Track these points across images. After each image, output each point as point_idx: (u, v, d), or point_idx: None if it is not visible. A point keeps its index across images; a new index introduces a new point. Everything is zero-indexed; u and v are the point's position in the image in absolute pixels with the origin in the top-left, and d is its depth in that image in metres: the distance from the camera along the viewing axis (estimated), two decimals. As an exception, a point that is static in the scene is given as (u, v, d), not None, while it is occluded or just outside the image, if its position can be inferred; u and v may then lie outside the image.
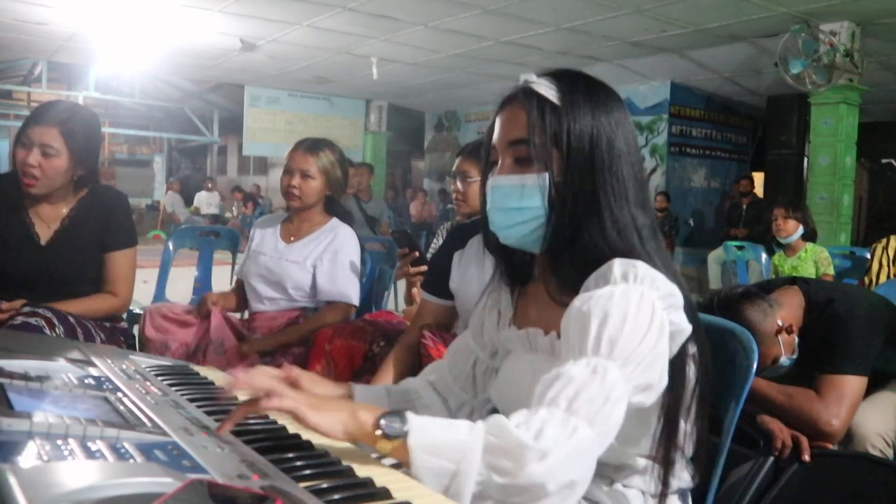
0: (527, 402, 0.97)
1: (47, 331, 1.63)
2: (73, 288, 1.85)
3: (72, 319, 1.73)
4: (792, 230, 3.87)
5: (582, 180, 0.93)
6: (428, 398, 1.15)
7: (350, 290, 2.16)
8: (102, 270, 1.92)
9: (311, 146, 2.18)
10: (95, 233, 1.89)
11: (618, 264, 0.88)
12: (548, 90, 0.94)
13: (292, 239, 2.23)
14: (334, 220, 2.24)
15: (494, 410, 1.15)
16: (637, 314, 0.84)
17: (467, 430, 0.77)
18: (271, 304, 2.24)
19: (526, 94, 0.96)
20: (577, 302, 0.88)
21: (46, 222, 1.87)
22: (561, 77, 0.97)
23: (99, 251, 1.91)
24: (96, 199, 1.91)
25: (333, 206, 2.27)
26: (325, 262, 2.16)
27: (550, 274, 0.98)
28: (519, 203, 0.95)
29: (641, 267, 0.88)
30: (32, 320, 1.64)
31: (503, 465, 0.74)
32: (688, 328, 0.89)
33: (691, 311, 0.91)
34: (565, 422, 0.77)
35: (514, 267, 1.07)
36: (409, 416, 0.79)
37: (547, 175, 0.93)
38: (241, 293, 2.37)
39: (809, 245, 3.92)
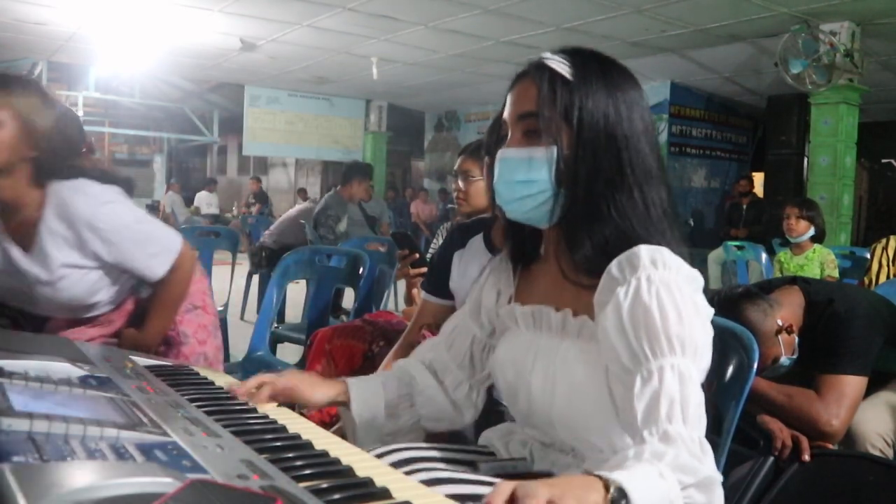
0: (526, 379, 0.98)
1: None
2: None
3: (41, 317, 1.65)
4: (803, 230, 3.86)
5: (597, 157, 0.92)
6: (423, 382, 1.14)
7: (146, 262, 1.55)
8: None
9: (2, 80, 1.44)
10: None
11: (644, 250, 0.87)
12: (560, 65, 0.94)
13: (24, 244, 1.48)
14: (52, 188, 1.46)
15: (491, 389, 1.16)
16: (683, 304, 0.85)
17: (657, 475, 0.72)
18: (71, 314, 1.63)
19: (538, 69, 0.95)
20: (621, 298, 0.86)
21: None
22: (574, 54, 0.96)
23: None
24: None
25: (51, 174, 1.46)
26: (98, 251, 1.49)
27: (565, 252, 0.97)
28: (526, 176, 0.94)
29: (667, 252, 0.88)
30: None
31: (698, 500, 0.74)
32: (711, 310, 0.90)
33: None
34: (693, 438, 0.78)
35: (520, 246, 1.06)
36: (627, 488, 0.68)
37: (555, 149, 0.92)
38: None
39: (818, 246, 3.91)
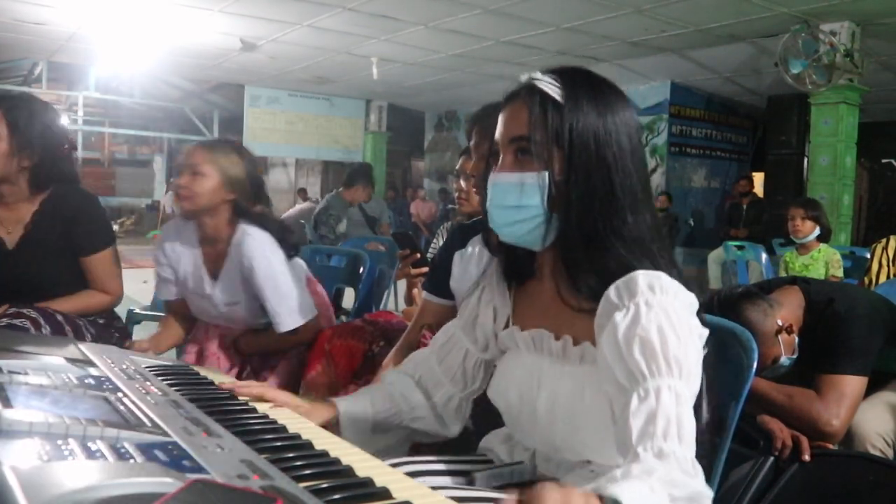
0: (531, 402, 0.98)
1: (33, 331, 1.61)
2: (47, 292, 1.79)
3: (59, 318, 1.71)
4: (809, 231, 3.86)
5: (589, 179, 0.91)
6: (414, 400, 1.14)
7: (276, 313, 1.85)
8: (86, 273, 1.88)
9: (209, 143, 1.94)
10: (64, 237, 1.83)
11: (642, 276, 0.87)
12: (551, 87, 0.93)
13: (213, 272, 1.89)
14: (240, 227, 1.85)
15: (480, 403, 1.15)
16: (681, 328, 0.84)
17: (648, 490, 0.71)
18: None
19: (529, 91, 0.95)
20: (619, 320, 0.85)
21: (7, 226, 1.81)
22: (565, 74, 0.95)
23: (71, 255, 1.85)
24: (60, 201, 1.84)
25: (243, 214, 1.87)
26: (248, 293, 1.87)
27: (562, 275, 0.96)
28: (518, 201, 0.93)
29: (664, 277, 0.87)
30: (17, 321, 1.61)
31: None
32: (706, 332, 0.89)
33: (701, 313, 0.92)
34: (686, 457, 0.77)
35: (514, 264, 1.06)
36: (622, 501, 0.68)
37: (546, 173, 0.92)
38: (181, 317, 2.05)
39: (823, 246, 3.91)
